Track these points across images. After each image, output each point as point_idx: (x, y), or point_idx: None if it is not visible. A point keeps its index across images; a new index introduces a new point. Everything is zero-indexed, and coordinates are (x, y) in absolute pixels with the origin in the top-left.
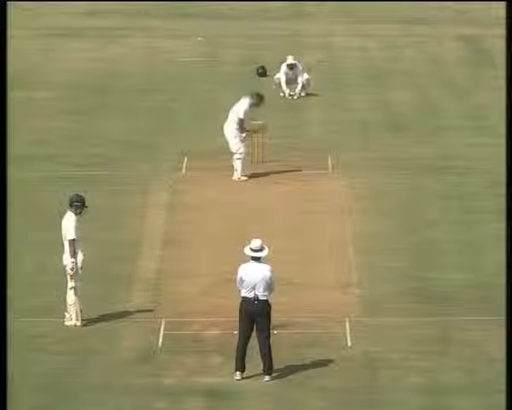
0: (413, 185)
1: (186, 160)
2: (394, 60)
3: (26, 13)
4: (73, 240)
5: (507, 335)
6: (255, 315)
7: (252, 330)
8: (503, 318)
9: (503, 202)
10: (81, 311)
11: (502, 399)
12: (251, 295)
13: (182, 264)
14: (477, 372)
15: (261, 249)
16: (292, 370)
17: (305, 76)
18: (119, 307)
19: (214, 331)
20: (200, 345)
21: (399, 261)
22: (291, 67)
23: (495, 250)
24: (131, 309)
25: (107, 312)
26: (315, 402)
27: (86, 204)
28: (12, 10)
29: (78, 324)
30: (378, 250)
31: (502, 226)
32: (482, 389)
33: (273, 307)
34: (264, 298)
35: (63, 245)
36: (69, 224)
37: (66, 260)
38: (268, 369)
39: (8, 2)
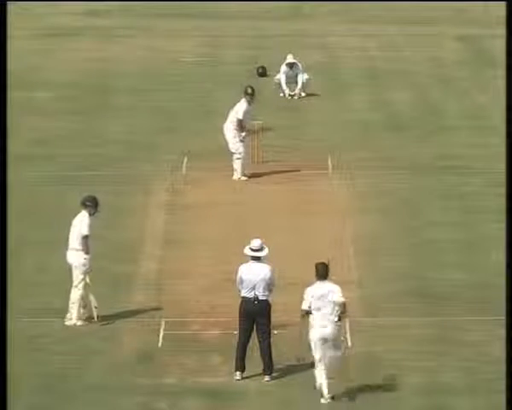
0: (413, 185)
1: (186, 160)
2: (394, 60)
3: (26, 13)
4: (87, 237)
5: (507, 335)
6: (255, 315)
7: (252, 330)
8: (503, 318)
9: (503, 202)
10: (96, 307)
11: (502, 399)
12: (251, 295)
13: (182, 264)
14: (477, 372)
15: (261, 249)
16: (292, 370)
17: (305, 76)
18: (119, 307)
19: (214, 331)
20: (200, 345)
21: (399, 261)
22: (291, 65)
23: (495, 250)
24: (131, 309)
25: (107, 312)
26: (315, 402)
27: (99, 206)
28: (12, 10)
29: (79, 324)
30: (378, 250)
31: (502, 226)
32: (482, 389)
33: (273, 307)
34: (264, 298)
35: (68, 244)
36: (83, 221)
37: (71, 257)
38: (268, 369)
39: (8, 2)
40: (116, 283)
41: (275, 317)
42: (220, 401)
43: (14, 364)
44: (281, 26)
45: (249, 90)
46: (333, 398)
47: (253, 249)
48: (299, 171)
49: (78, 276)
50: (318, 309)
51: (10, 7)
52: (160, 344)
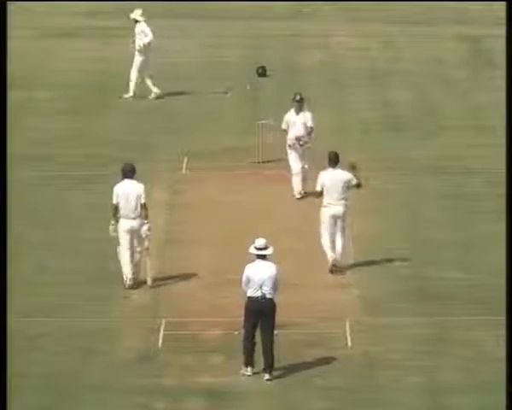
0: (413, 185)
1: (186, 160)
2: (394, 60)
3: (25, 13)
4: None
5: (507, 335)
6: (261, 314)
7: (256, 328)
8: (503, 318)
9: (503, 202)
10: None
11: (502, 399)
12: (258, 293)
13: (182, 264)
14: (477, 372)
15: (266, 248)
16: (292, 370)
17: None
18: (119, 307)
19: (214, 331)
20: (200, 345)
21: (399, 261)
22: (136, 21)
23: (495, 250)
24: (131, 309)
25: (107, 312)
26: (315, 402)
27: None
28: (12, 10)
29: (149, 282)
30: (378, 250)
31: (502, 226)
32: (482, 389)
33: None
34: (271, 296)
35: (126, 213)
36: (140, 190)
37: (135, 225)
38: (269, 367)
39: (8, 2)
40: (116, 283)
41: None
42: (220, 401)
43: (14, 364)
44: (281, 26)
45: (297, 98)
46: (335, 266)
47: (257, 248)
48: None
49: (143, 241)
50: (329, 191)
51: (10, 7)
52: (159, 344)
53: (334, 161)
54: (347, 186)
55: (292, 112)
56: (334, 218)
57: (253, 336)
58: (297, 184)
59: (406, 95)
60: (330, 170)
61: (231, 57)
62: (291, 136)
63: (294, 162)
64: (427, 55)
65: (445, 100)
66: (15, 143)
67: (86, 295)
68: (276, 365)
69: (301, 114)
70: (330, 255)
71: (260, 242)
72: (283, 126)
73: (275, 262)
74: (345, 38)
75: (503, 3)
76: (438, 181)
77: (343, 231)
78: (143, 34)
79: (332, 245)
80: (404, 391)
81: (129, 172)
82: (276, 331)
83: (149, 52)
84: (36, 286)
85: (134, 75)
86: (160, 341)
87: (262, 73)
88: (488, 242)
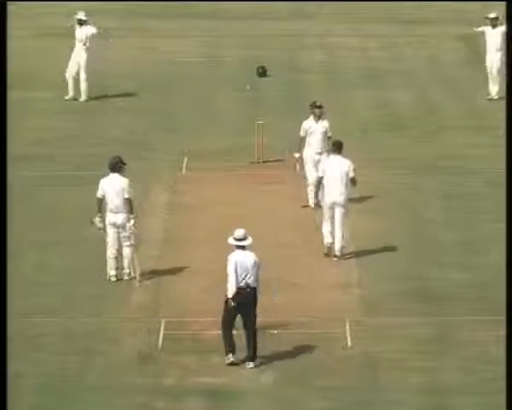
0: (413, 185)
1: (186, 160)
2: (394, 60)
3: (25, 13)
4: (130, 198)
5: (507, 335)
6: (245, 304)
7: (236, 318)
8: (503, 318)
9: (503, 202)
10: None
11: (502, 399)
12: (243, 283)
13: (182, 264)
14: (477, 372)
15: (245, 238)
16: (292, 370)
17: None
18: (119, 307)
19: (214, 331)
20: (200, 345)
21: (399, 261)
22: (80, 22)
23: (495, 250)
24: (131, 309)
25: (107, 312)
26: (315, 402)
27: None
28: (12, 10)
29: (137, 278)
30: (378, 250)
31: (502, 226)
32: (482, 389)
33: (273, 307)
34: (255, 285)
35: (101, 207)
36: (124, 184)
37: (119, 219)
38: (252, 357)
39: (8, 2)
40: (115, 283)
41: (275, 317)
42: (220, 401)
43: (14, 364)
44: (281, 26)
45: (318, 104)
46: (335, 256)
47: (236, 239)
48: (299, 171)
49: (128, 236)
50: (328, 178)
51: (10, 7)
52: (160, 344)
53: (336, 148)
54: (346, 175)
55: (311, 119)
56: (333, 205)
57: (233, 325)
58: (312, 194)
59: (406, 95)
60: (332, 157)
61: (231, 57)
62: (313, 148)
63: (310, 172)
64: (427, 55)
65: (445, 100)
66: (15, 143)
67: (86, 295)
68: (275, 364)
69: (320, 122)
70: (327, 242)
71: (239, 232)
72: (301, 134)
73: (253, 252)
74: (345, 38)
75: (503, 3)
76: (438, 181)
77: (342, 220)
78: (91, 35)
79: (331, 231)
80: (404, 391)
81: (115, 166)
82: (275, 331)
83: (92, 53)
84: (36, 286)
85: (83, 75)
86: (160, 341)
87: (262, 73)
88: (488, 242)
